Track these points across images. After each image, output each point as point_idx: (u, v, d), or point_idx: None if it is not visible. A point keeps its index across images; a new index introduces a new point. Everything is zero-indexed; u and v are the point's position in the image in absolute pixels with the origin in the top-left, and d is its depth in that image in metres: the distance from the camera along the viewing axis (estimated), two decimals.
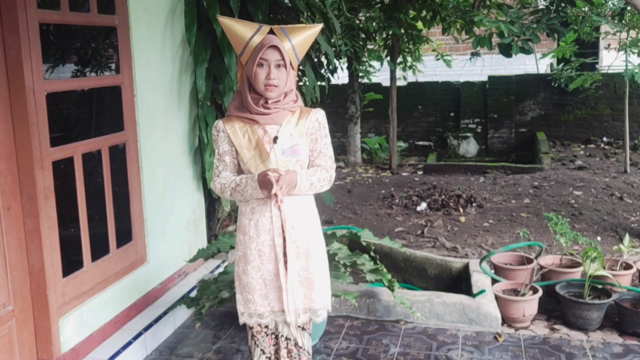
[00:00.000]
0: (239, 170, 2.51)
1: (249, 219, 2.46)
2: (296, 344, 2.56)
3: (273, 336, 2.56)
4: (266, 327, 2.55)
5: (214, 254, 3.51)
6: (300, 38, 2.43)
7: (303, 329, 2.57)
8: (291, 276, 2.43)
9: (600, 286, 3.73)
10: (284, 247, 2.43)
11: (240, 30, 2.40)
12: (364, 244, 3.66)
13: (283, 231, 2.42)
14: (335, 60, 8.07)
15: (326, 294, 2.55)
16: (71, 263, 3.09)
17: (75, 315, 3.10)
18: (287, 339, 2.56)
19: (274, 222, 2.42)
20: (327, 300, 2.55)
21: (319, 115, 2.51)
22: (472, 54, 9.79)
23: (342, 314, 3.83)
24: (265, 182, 2.31)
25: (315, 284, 2.48)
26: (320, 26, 2.55)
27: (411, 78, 10.96)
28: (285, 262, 2.43)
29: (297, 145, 2.43)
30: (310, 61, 4.74)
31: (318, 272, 2.50)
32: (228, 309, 3.92)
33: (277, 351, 2.57)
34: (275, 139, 2.40)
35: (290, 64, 2.40)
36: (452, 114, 11.11)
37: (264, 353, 2.57)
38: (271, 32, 2.40)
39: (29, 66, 2.75)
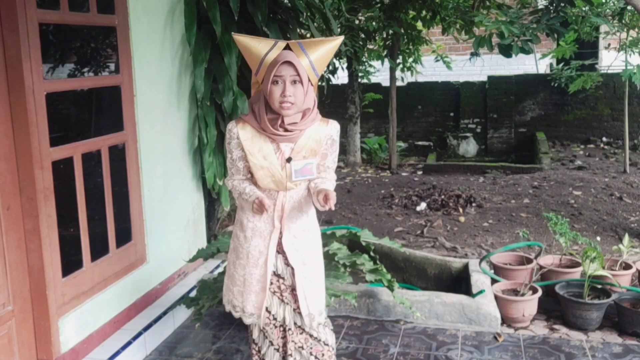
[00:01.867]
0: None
1: (248, 220, 2.48)
2: (311, 336, 2.59)
3: (281, 328, 2.58)
4: (275, 318, 2.56)
5: (213, 254, 3.51)
6: (319, 53, 2.34)
7: (320, 323, 2.60)
8: (302, 284, 2.48)
9: (599, 286, 3.73)
10: (285, 257, 2.48)
11: (255, 47, 2.32)
12: (363, 244, 3.66)
13: (281, 242, 2.45)
14: (335, 61, 8.08)
15: (324, 290, 2.63)
16: (71, 263, 3.09)
17: (75, 315, 3.10)
18: (300, 328, 2.57)
19: (273, 233, 2.44)
20: (324, 295, 2.64)
21: (333, 132, 2.45)
22: (472, 54, 9.76)
23: (341, 314, 3.83)
24: (258, 209, 2.31)
25: (320, 282, 2.58)
26: (340, 39, 2.45)
27: (410, 79, 10.96)
28: (293, 273, 2.49)
29: (311, 165, 2.39)
30: None
31: (320, 270, 2.58)
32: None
33: (285, 344, 2.59)
34: (288, 160, 2.37)
35: (309, 80, 2.32)
36: (451, 114, 11.12)
37: (272, 345, 2.58)
38: (288, 47, 2.32)
39: (29, 66, 2.75)
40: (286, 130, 2.34)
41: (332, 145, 2.47)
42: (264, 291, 2.48)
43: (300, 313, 2.54)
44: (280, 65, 2.25)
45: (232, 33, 2.47)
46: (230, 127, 2.43)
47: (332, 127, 2.46)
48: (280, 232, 2.46)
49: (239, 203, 2.55)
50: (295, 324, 2.57)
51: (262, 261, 2.47)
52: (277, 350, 2.59)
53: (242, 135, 2.39)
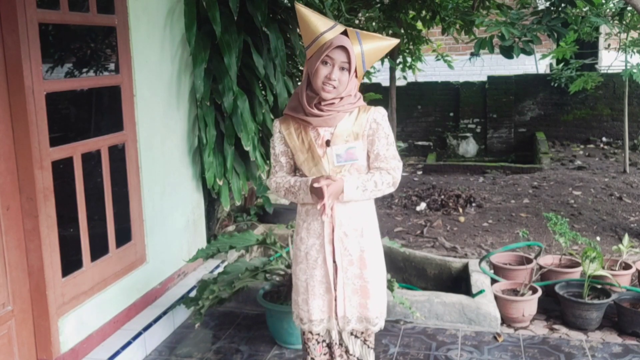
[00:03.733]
0: (296, 170, 2.46)
1: (303, 220, 2.42)
2: (347, 351, 2.48)
3: (324, 344, 2.50)
4: (318, 334, 2.48)
5: (213, 254, 3.51)
6: (372, 46, 2.31)
7: (356, 337, 2.48)
8: (343, 284, 2.37)
9: (599, 286, 3.73)
10: (334, 254, 2.37)
11: (314, 23, 2.28)
12: None
13: (333, 238, 2.36)
14: None
15: (382, 301, 2.48)
16: (70, 263, 3.09)
17: (75, 315, 3.10)
18: (340, 345, 2.48)
19: (325, 228, 2.35)
20: (384, 307, 2.49)
21: (376, 115, 2.36)
22: (472, 54, 9.78)
23: None
24: (316, 191, 2.25)
25: (370, 292, 2.41)
26: (395, 41, 2.41)
27: (411, 78, 10.94)
28: (336, 269, 2.37)
29: (354, 148, 2.32)
30: None
31: (374, 279, 2.42)
32: (227, 309, 3.93)
33: None
34: (327, 143, 2.32)
35: (355, 70, 2.29)
36: (451, 114, 11.12)
37: None
38: (344, 33, 2.29)
39: (29, 66, 2.75)
40: (321, 110, 2.30)
41: (378, 130, 2.35)
42: (329, 292, 2.38)
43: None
44: (335, 48, 2.23)
45: (295, 3, 2.41)
46: (274, 123, 2.44)
47: (375, 112, 2.37)
48: (332, 227, 2.36)
49: (297, 209, 2.46)
50: (340, 343, 2.47)
51: (321, 260, 2.37)
52: None
53: (285, 130, 2.39)
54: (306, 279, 2.41)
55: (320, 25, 2.28)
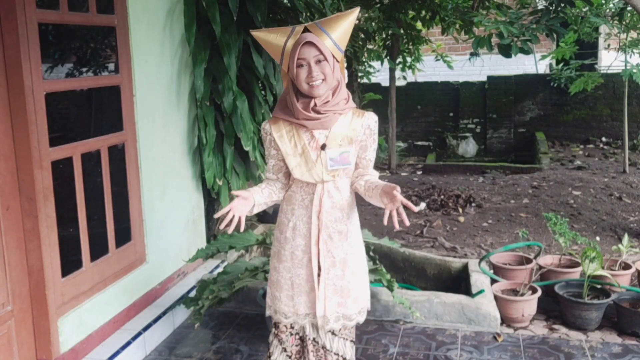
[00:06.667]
0: (285, 173, 2.43)
1: (288, 219, 2.41)
2: (324, 347, 2.49)
3: (297, 336, 2.52)
4: (291, 327, 2.49)
5: (213, 254, 3.51)
6: (340, 30, 2.29)
7: (333, 333, 2.48)
8: (324, 284, 2.38)
9: (599, 286, 3.73)
10: (318, 255, 2.36)
11: (275, 38, 2.30)
12: None
13: (319, 240, 2.35)
14: None
15: (363, 298, 2.49)
16: (70, 263, 3.09)
17: (74, 315, 3.10)
18: (314, 341, 2.49)
19: (312, 229, 2.35)
20: (365, 303, 2.51)
21: (370, 121, 2.36)
22: (471, 54, 9.78)
23: None
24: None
25: (351, 291, 2.42)
26: (356, 11, 2.37)
27: (410, 78, 10.95)
28: (319, 270, 2.37)
29: (347, 152, 2.32)
30: None
31: (355, 280, 2.43)
32: (227, 309, 3.93)
33: (299, 352, 2.53)
34: (323, 147, 2.30)
35: (334, 57, 2.27)
36: (451, 114, 11.12)
37: (285, 351, 2.52)
38: (306, 30, 2.28)
39: (28, 66, 2.75)
40: (319, 112, 2.29)
41: (370, 136, 2.37)
42: (314, 290, 2.39)
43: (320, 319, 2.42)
44: (302, 47, 2.22)
45: (250, 30, 2.43)
46: (264, 125, 2.41)
47: (370, 118, 2.38)
48: (319, 229, 2.35)
49: (281, 206, 2.47)
50: (313, 339, 2.48)
51: (306, 260, 2.38)
52: (290, 357, 2.52)
53: (275, 132, 2.36)
54: (291, 277, 2.42)
55: (280, 37, 2.29)
